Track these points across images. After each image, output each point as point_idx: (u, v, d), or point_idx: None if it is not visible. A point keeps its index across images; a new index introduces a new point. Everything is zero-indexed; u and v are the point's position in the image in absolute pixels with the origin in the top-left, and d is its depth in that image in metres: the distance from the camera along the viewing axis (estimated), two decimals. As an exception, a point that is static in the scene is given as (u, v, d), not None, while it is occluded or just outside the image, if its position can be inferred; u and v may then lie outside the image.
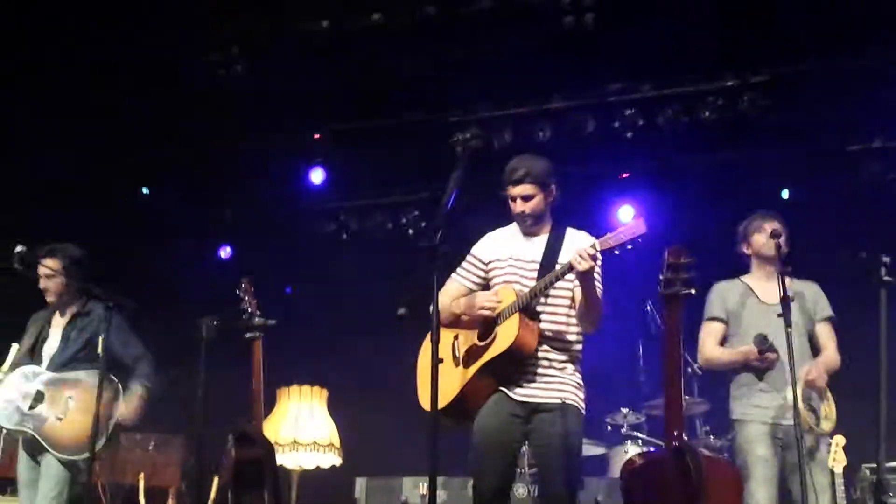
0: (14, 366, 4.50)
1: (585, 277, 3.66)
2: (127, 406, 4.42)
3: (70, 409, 4.36)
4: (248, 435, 4.20)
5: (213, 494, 4.95)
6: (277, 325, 4.53)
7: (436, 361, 3.43)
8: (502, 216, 4.06)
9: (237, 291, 4.49)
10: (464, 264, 3.99)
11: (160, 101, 6.51)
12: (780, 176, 6.57)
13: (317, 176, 7.25)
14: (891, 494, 3.54)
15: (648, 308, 5.97)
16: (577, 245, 3.78)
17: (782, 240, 4.29)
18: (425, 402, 3.86)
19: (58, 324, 4.62)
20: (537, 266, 3.89)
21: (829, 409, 4.22)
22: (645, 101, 6.50)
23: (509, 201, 3.92)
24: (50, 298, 4.61)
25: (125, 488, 5.50)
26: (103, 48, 6.25)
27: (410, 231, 7.30)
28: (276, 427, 5.41)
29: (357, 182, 7.37)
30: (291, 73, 6.43)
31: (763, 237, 4.40)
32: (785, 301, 3.92)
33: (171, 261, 6.95)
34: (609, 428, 5.98)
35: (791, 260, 4.26)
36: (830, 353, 4.32)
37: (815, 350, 4.34)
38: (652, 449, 5.57)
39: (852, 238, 5.53)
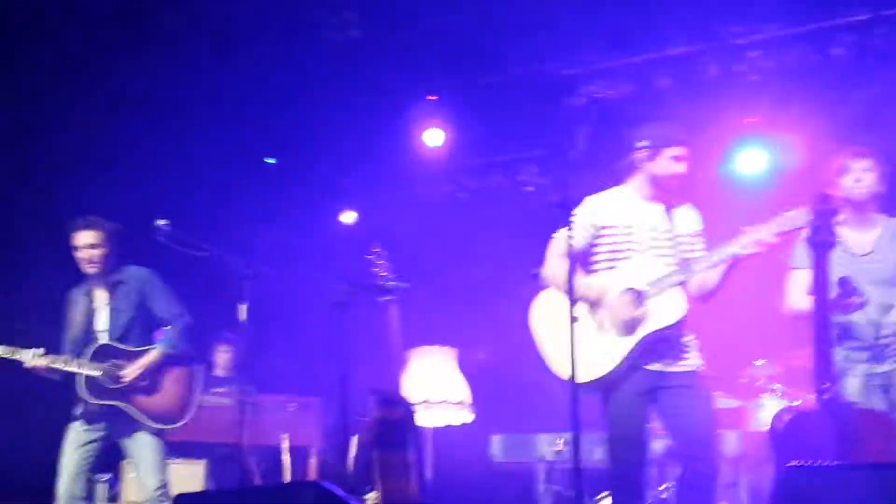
0: (72, 344, 4.52)
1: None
2: (133, 364, 4.47)
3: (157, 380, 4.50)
4: (388, 395, 4.29)
5: (353, 452, 5.07)
6: (407, 287, 4.60)
7: (572, 322, 3.44)
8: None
9: (369, 256, 4.57)
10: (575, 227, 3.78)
11: (277, 70, 6.60)
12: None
13: (434, 137, 7.22)
14: None
15: (782, 258, 5.77)
16: (689, 217, 3.92)
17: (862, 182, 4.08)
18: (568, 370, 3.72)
19: (101, 297, 4.62)
20: (671, 236, 3.85)
21: None
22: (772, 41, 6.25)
23: (666, 161, 3.84)
24: (91, 270, 4.57)
25: (269, 449, 5.72)
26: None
27: (530, 188, 7.25)
28: (412, 387, 5.49)
29: (472, 141, 7.34)
30: (405, 31, 6.41)
31: (850, 179, 4.09)
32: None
33: (299, 228, 7.10)
34: (744, 381, 5.84)
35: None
36: None
37: None
38: (797, 401, 5.42)
39: None
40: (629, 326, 3.72)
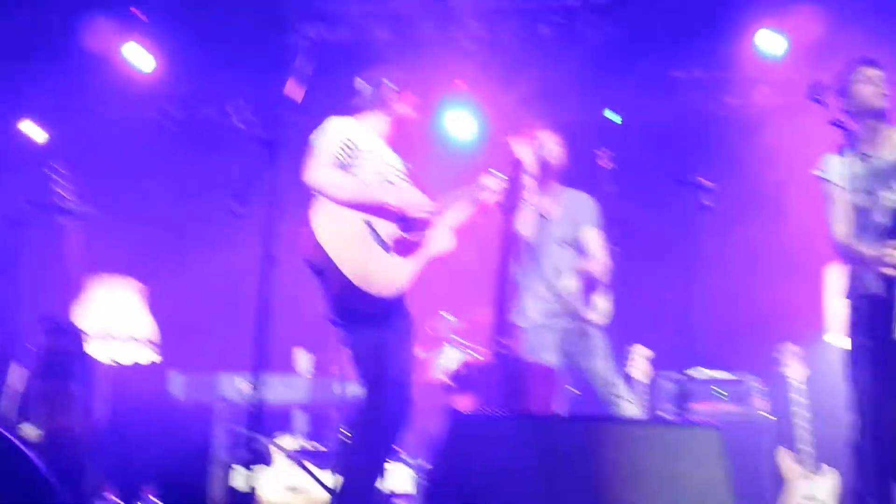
0: None
1: None
2: None
3: None
4: (58, 324, 4.00)
5: (16, 384, 4.70)
6: (93, 212, 4.32)
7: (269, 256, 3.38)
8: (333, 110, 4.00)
9: (51, 174, 4.21)
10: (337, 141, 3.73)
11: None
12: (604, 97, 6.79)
13: (141, 59, 6.76)
14: (691, 401, 3.92)
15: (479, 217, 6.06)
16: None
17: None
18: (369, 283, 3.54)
19: None
20: (406, 176, 3.89)
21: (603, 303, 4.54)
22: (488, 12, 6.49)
23: (408, 106, 3.92)
24: None
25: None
26: None
27: (240, 124, 7.03)
28: (89, 318, 5.17)
29: (183, 68, 6.98)
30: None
31: (541, 151, 4.50)
32: None
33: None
34: (428, 332, 6.10)
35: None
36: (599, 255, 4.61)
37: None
38: (472, 353, 5.75)
39: (672, 163, 5.83)
40: (410, 248, 3.70)
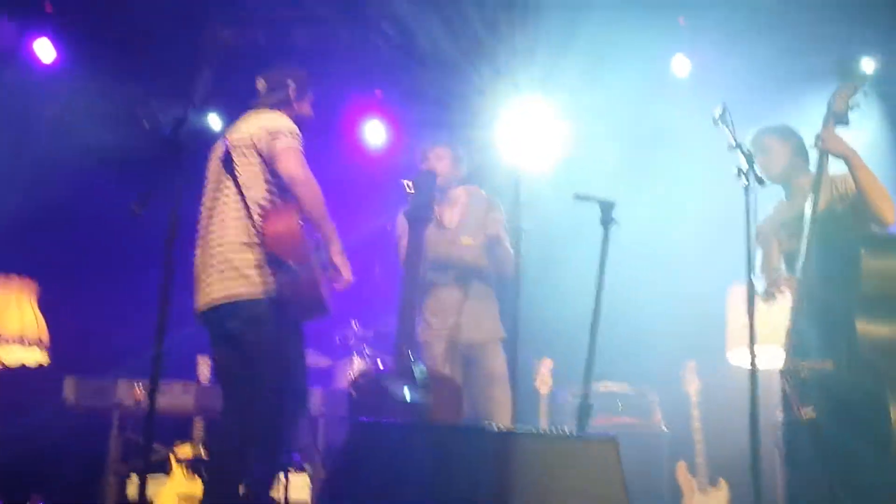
0: None
1: None
2: None
3: None
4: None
5: None
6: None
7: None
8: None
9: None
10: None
11: None
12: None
13: (44, 51, 6.54)
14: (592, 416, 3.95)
15: (389, 228, 6.04)
16: None
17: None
18: None
19: None
20: None
21: None
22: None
23: (307, 105, 4.01)
24: None
25: None
26: None
27: (146, 123, 6.86)
28: (-22, 320, 4.97)
29: (90, 64, 6.77)
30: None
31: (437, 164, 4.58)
32: None
33: None
34: (338, 341, 6.04)
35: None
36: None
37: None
38: (379, 363, 5.71)
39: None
40: None
